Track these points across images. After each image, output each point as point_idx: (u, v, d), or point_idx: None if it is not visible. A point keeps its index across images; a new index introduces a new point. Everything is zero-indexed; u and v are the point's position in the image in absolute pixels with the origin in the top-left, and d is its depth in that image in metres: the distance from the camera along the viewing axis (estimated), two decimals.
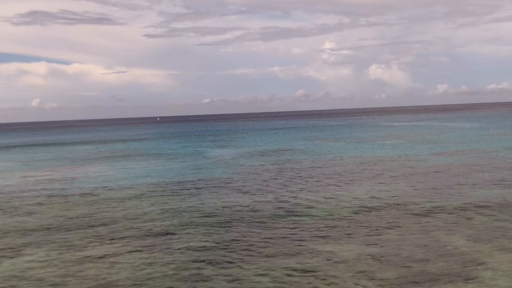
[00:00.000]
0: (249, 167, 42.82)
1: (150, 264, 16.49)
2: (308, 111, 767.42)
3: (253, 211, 24.18)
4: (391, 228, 19.81)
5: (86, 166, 48.77)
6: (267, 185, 32.15)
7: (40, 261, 17.29)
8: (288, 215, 22.95)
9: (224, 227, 21.14)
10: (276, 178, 35.20)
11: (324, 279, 14.48)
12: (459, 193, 26.54)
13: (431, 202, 24.54)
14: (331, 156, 49.68)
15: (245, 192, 29.73)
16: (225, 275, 15.11)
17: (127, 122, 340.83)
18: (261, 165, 44.09)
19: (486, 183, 29.53)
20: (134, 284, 14.69)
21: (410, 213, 22.27)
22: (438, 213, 22.08)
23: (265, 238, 19.12)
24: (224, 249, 17.87)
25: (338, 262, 15.88)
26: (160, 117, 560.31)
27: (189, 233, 20.27)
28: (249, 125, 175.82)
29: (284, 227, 20.63)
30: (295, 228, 20.48)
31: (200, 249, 17.97)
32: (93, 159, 57.37)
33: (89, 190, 32.85)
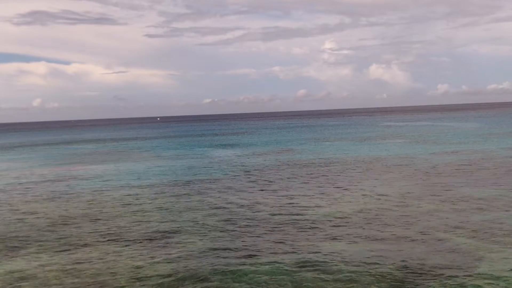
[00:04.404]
0: (250, 167, 42.87)
1: (150, 263, 16.54)
2: (309, 111, 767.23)
3: (254, 210, 24.23)
4: (391, 227, 19.86)
5: (88, 166, 48.83)
6: (268, 185, 32.21)
7: (40, 261, 17.34)
8: (289, 214, 23.00)
9: (225, 226, 21.19)
10: (277, 178, 35.25)
11: (324, 278, 14.53)
12: (459, 193, 26.58)
13: (431, 201, 24.59)
14: (332, 156, 49.72)
15: (246, 192, 29.79)
16: (224, 275, 15.16)
17: (127, 122, 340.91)
18: (262, 165, 44.14)
19: (486, 182, 29.57)
20: (134, 284, 14.75)
21: (410, 212, 22.31)
22: (438, 212, 22.13)
23: (266, 237, 19.17)
24: (224, 249, 17.91)
25: (338, 260, 15.94)
26: (161, 117, 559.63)
27: (189, 233, 20.32)
28: (251, 125, 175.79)
29: (285, 227, 20.68)
30: (295, 227, 20.53)
31: (200, 249, 18.03)
32: (95, 158, 57.44)
33: (90, 190, 32.92)
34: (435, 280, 13.98)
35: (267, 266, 15.71)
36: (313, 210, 23.71)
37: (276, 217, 22.52)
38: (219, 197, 28.20)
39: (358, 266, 15.42)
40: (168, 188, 32.58)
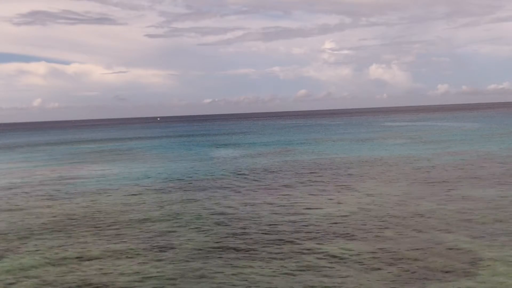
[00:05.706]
0: (250, 167, 42.93)
1: (150, 263, 16.60)
2: (309, 111, 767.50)
3: (254, 210, 24.27)
4: (391, 227, 19.90)
5: (89, 166, 48.88)
6: (269, 185, 32.26)
7: (41, 260, 17.38)
8: (289, 214, 23.05)
9: (225, 227, 21.24)
10: (277, 178, 35.30)
11: (324, 278, 14.58)
12: (459, 193, 26.62)
13: (432, 201, 24.63)
14: (333, 156, 49.76)
15: (247, 192, 29.84)
16: (224, 275, 15.22)
17: (127, 122, 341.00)
18: (263, 165, 44.19)
19: (487, 182, 29.61)
20: (134, 284, 14.80)
21: (410, 212, 22.36)
22: (438, 212, 22.17)
23: (266, 237, 19.22)
24: (224, 249, 17.97)
25: (338, 261, 15.98)
26: (161, 117, 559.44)
27: (189, 233, 20.38)
28: (251, 125, 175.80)
29: (285, 226, 20.73)
30: (295, 227, 20.58)
31: (200, 248, 18.08)
32: (96, 159, 57.49)
33: (90, 190, 32.97)
34: (435, 281, 14.02)
35: (267, 267, 15.76)
36: (313, 209, 23.76)
37: (276, 217, 22.56)
38: (219, 197, 28.24)
39: (358, 266, 15.46)
40: (168, 188, 32.63)
